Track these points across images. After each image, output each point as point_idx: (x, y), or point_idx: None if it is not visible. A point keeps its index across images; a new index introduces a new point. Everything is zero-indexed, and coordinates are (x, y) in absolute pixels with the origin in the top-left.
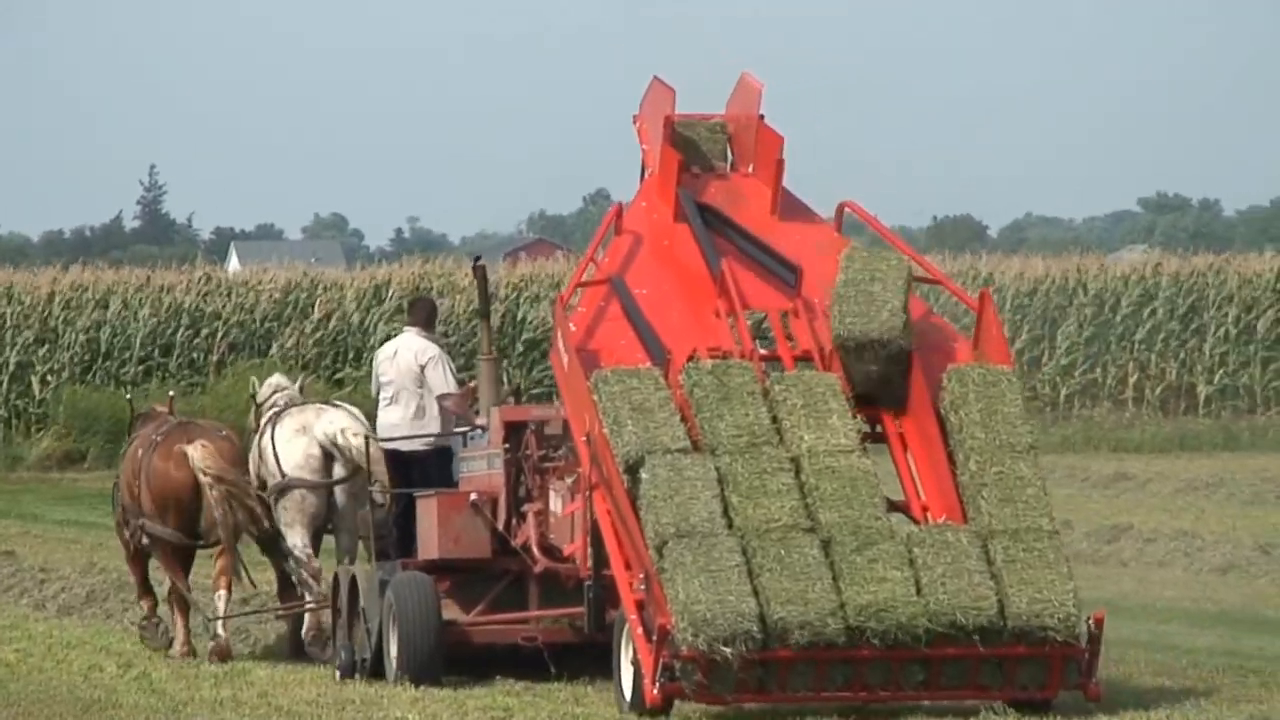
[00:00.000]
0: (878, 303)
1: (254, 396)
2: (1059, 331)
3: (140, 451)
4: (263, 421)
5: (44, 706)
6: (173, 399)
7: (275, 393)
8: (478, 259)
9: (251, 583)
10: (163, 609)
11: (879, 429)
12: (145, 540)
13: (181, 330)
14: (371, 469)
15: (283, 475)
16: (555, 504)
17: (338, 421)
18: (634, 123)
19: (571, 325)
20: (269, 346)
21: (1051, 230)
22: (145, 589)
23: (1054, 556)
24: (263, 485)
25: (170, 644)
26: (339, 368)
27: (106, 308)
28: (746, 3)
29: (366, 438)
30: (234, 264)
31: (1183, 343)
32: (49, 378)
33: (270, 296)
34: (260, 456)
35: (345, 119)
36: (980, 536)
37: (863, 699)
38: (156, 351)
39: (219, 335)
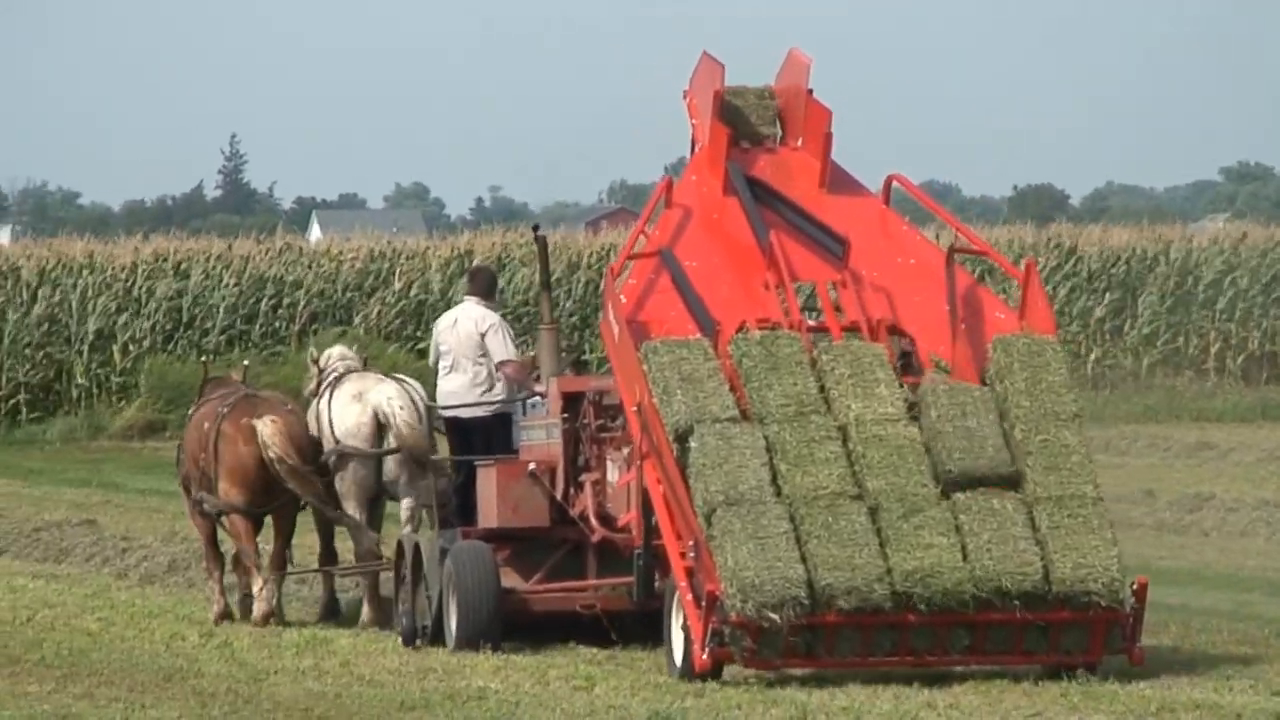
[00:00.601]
0: (977, 438)
1: (315, 360)
2: (1140, 301)
3: (207, 423)
4: (321, 386)
5: (126, 675)
6: (246, 368)
7: (338, 360)
8: (536, 228)
9: (292, 562)
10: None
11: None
12: (207, 507)
13: (265, 300)
14: (420, 442)
15: (335, 441)
16: (612, 474)
17: (386, 393)
18: (684, 97)
19: (622, 297)
20: (351, 316)
21: (1133, 199)
22: (214, 551)
23: (1098, 523)
24: (319, 450)
25: (235, 608)
26: (421, 337)
27: (188, 277)
28: None
29: (427, 407)
30: (315, 234)
31: (1265, 311)
32: (130, 347)
33: (352, 266)
34: (316, 421)
35: (427, 88)
36: (1025, 503)
37: (909, 664)
38: (239, 321)
39: (301, 305)
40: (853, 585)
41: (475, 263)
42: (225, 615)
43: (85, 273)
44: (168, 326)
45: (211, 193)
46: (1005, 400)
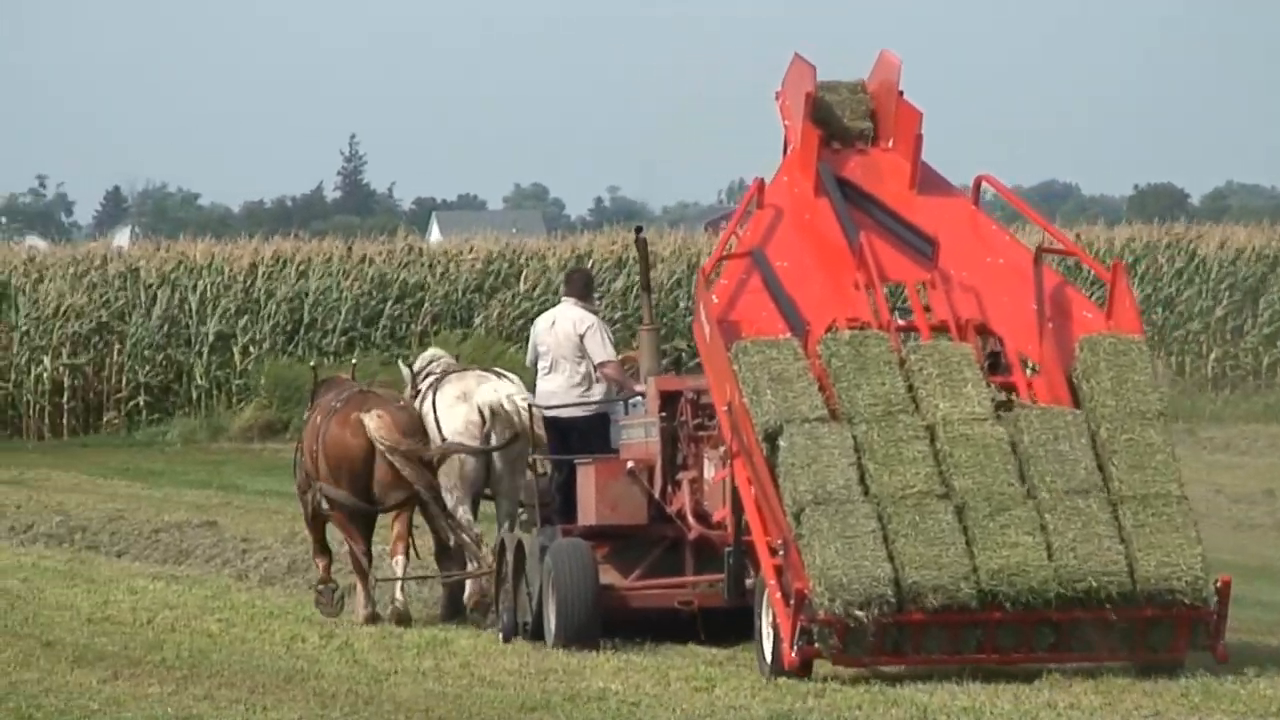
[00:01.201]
0: (1069, 461)
1: (410, 366)
2: (1261, 300)
3: (319, 418)
4: (423, 388)
5: (247, 677)
6: (355, 366)
7: (431, 362)
8: (639, 229)
9: (416, 552)
10: (340, 576)
11: (1014, 397)
12: (324, 505)
13: (386, 302)
14: (533, 435)
15: (444, 440)
16: (709, 471)
17: (501, 389)
18: (776, 99)
19: (714, 297)
20: (472, 317)
21: (1253, 198)
22: (322, 549)
23: (1182, 521)
24: (424, 438)
25: (341, 609)
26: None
27: (308, 278)
28: None
29: (530, 405)
30: (435, 234)
31: None
32: (250, 348)
33: (472, 267)
34: (418, 415)
35: (544, 88)
36: (1110, 502)
37: (995, 661)
38: (360, 323)
39: (423, 306)
40: (939, 583)
41: (572, 265)
42: (374, 617)
43: (205, 274)
44: (288, 328)
45: (331, 194)
46: (1091, 399)
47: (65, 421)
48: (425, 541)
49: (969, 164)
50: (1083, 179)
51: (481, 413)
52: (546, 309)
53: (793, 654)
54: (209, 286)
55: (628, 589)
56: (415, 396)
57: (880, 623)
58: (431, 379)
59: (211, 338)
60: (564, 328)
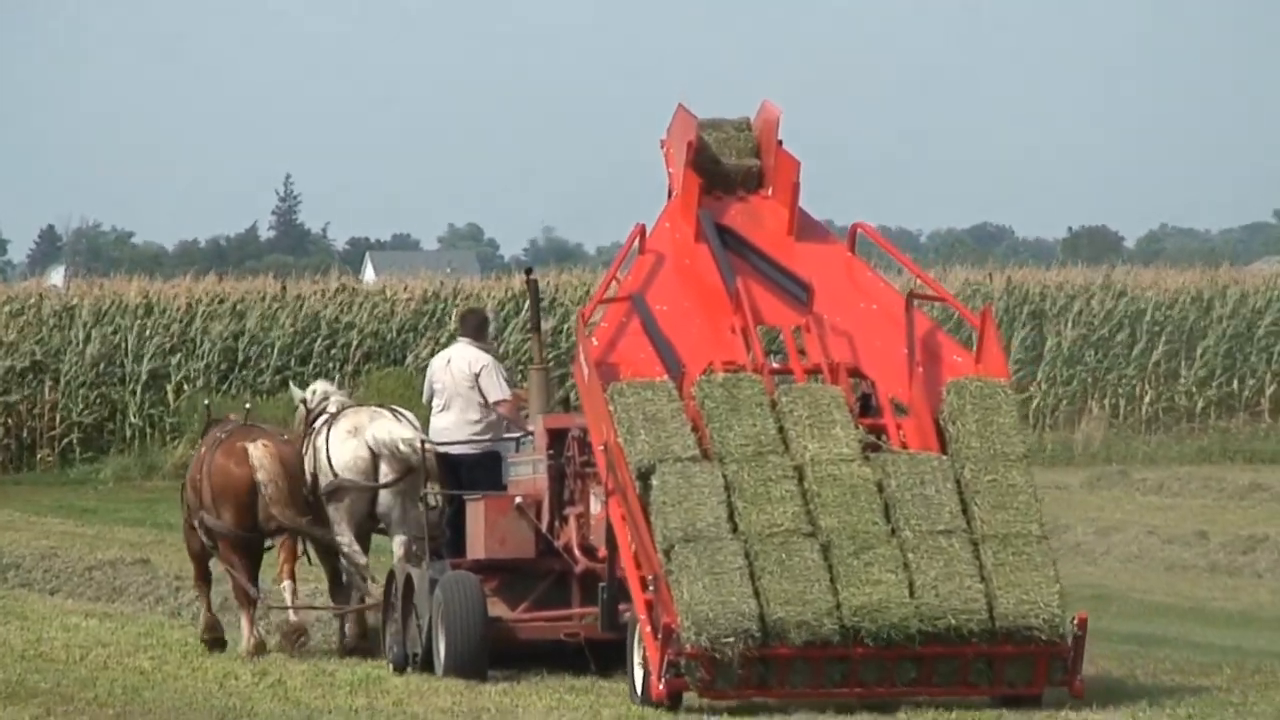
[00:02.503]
0: (934, 505)
1: (304, 401)
2: (1198, 344)
3: (204, 451)
4: (317, 423)
5: (180, 714)
6: (249, 410)
7: (325, 399)
8: (529, 271)
9: (310, 562)
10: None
11: (883, 439)
12: (205, 537)
13: (319, 340)
14: (427, 471)
15: (334, 475)
16: (595, 507)
17: (393, 429)
18: (661, 147)
19: (594, 340)
20: (405, 356)
21: (1188, 241)
22: (203, 581)
23: (1041, 560)
24: (315, 484)
25: (222, 641)
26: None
27: (243, 317)
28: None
29: (423, 441)
30: (369, 274)
31: None
32: (184, 386)
33: (407, 306)
34: (314, 457)
35: (479, 128)
36: (972, 541)
37: (858, 694)
38: (294, 361)
39: (354, 345)
40: (803, 619)
41: (466, 306)
42: (216, 639)
43: (141, 313)
44: (222, 366)
45: (265, 233)
46: (957, 441)
47: None
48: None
49: (902, 205)
50: (1016, 221)
51: (371, 448)
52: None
53: (660, 686)
54: (145, 325)
55: (516, 621)
56: (308, 431)
57: (746, 656)
58: (325, 415)
59: (145, 376)
60: (459, 367)
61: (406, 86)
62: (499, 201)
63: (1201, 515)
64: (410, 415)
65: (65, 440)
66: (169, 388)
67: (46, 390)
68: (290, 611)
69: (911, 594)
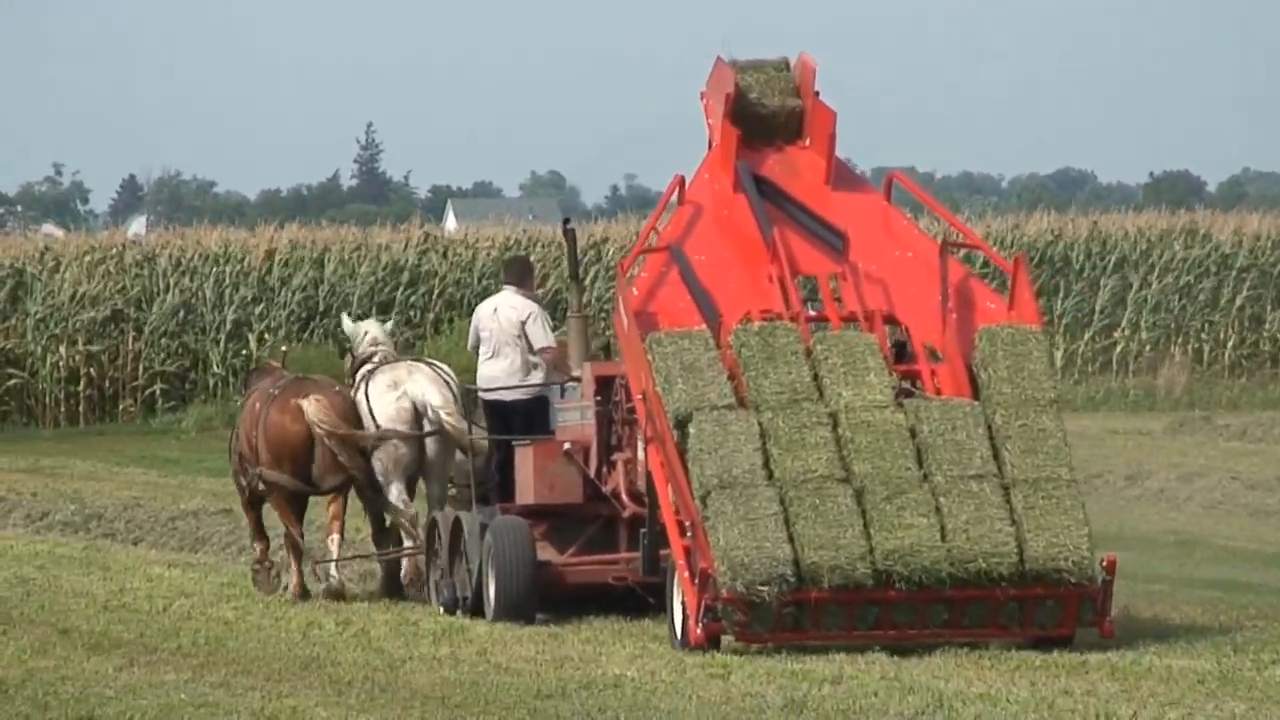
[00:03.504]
0: (966, 450)
1: (350, 350)
2: None
3: (258, 405)
4: (358, 378)
5: (263, 664)
6: (285, 354)
7: (374, 346)
8: (566, 221)
9: (355, 529)
10: (276, 554)
11: (917, 385)
12: (262, 487)
13: (400, 288)
14: (459, 426)
15: (377, 427)
16: (642, 453)
17: (427, 390)
18: (700, 99)
19: (634, 290)
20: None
21: (1270, 185)
22: (260, 534)
23: (1070, 504)
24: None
25: (279, 588)
26: (557, 324)
27: (323, 266)
28: None
29: (455, 394)
30: (450, 223)
31: None
32: (265, 336)
33: (487, 254)
34: (353, 403)
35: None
36: (1003, 486)
37: (891, 637)
38: (374, 309)
39: (435, 293)
40: (836, 563)
41: (510, 254)
42: (304, 593)
43: (221, 262)
44: (303, 315)
45: (347, 182)
46: (989, 387)
47: (81, 409)
48: (357, 523)
49: (984, 150)
50: (1098, 166)
51: (413, 401)
52: (559, 295)
53: (698, 630)
54: (225, 275)
55: (564, 565)
56: (351, 380)
57: (781, 600)
58: (368, 368)
59: (229, 325)
60: (506, 314)
61: (489, 34)
62: (581, 149)
63: None
64: (446, 369)
65: (148, 390)
66: (251, 337)
67: (129, 340)
68: (333, 570)
69: (943, 538)
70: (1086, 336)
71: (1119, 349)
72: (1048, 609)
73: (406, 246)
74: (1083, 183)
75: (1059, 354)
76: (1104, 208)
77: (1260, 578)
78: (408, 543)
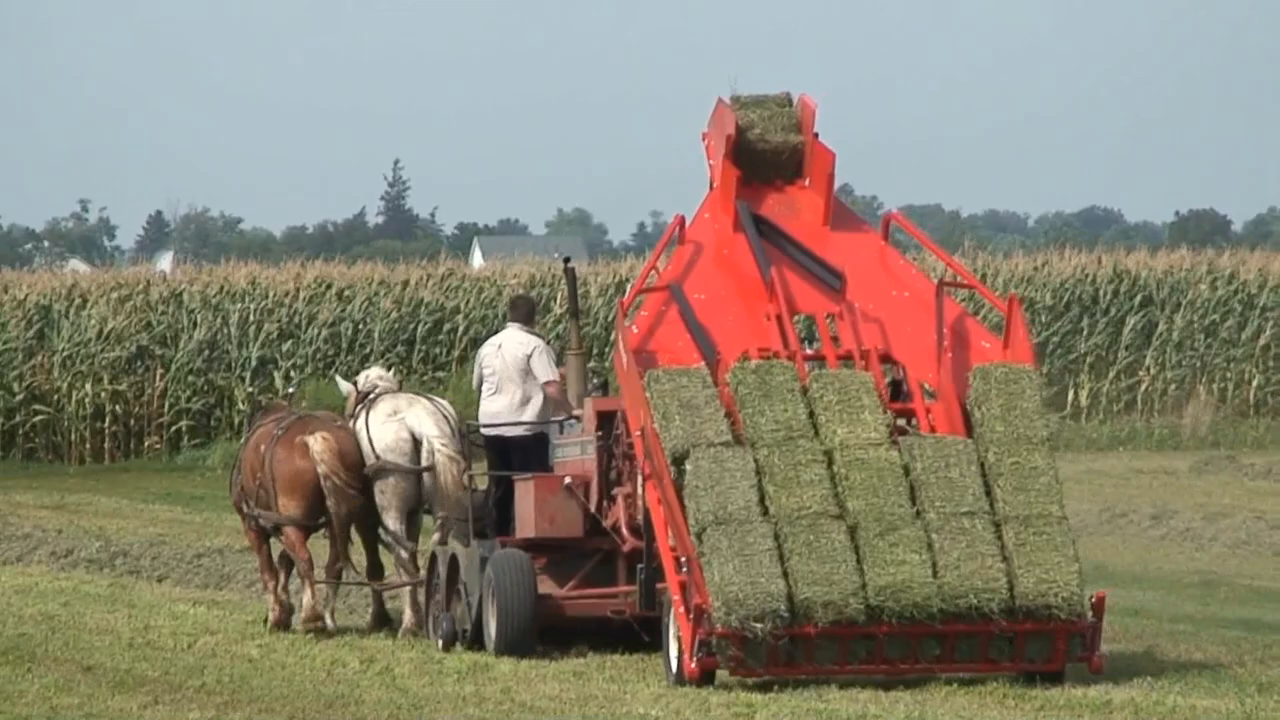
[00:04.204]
0: (959, 488)
1: (355, 384)
2: None
3: (263, 445)
4: (359, 409)
5: (287, 703)
6: (291, 395)
7: (374, 384)
8: (567, 260)
9: (355, 569)
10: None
11: (912, 423)
12: (267, 525)
13: (422, 325)
14: (455, 459)
15: (376, 457)
16: (640, 488)
17: (425, 423)
18: (702, 140)
19: (634, 328)
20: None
21: None
22: (270, 568)
23: (1061, 540)
24: (361, 465)
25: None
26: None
27: (349, 302)
28: None
29: (453, 428)
30: (477, 260)
31: None
32: (291, 373)
33: (513, 291)
34: (357, 439)
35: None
36: (994, 523)
37: (883, 671)
38: (399, 346)
39: (460, 330)
40: (829, 599)
41: (516, 293)
42: (285, 621)
43: (247, 299)
44: (329, 352)
45: (373, 219)
46: (982, 424)
47: (106, 446)
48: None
49: (1011, 189)
50: (1125, 205)
51: (412, 432)
52: (585, 332)
53: (692, 664)
54: (251, 311)
55: (563, 598)
56: (354, 413)
57: (775, 635)
58: (370, 397)
59: (254, 362)
60: (512, 350)
61: (517, 71)
62: (607, 186)
63: None
64: (446, 405)
65: (173, 427)
66: (276, 374)
67: (156, 378)
68: (309, 597)
69: (935, 574)
70: (1111, 375)
71: (1144, 388)
72: (1038, 644)
73: (431, 283)
74: (1109, 221)
75: (1084, 393)
76: (1130, 246)
77: None
78: (402, 576)
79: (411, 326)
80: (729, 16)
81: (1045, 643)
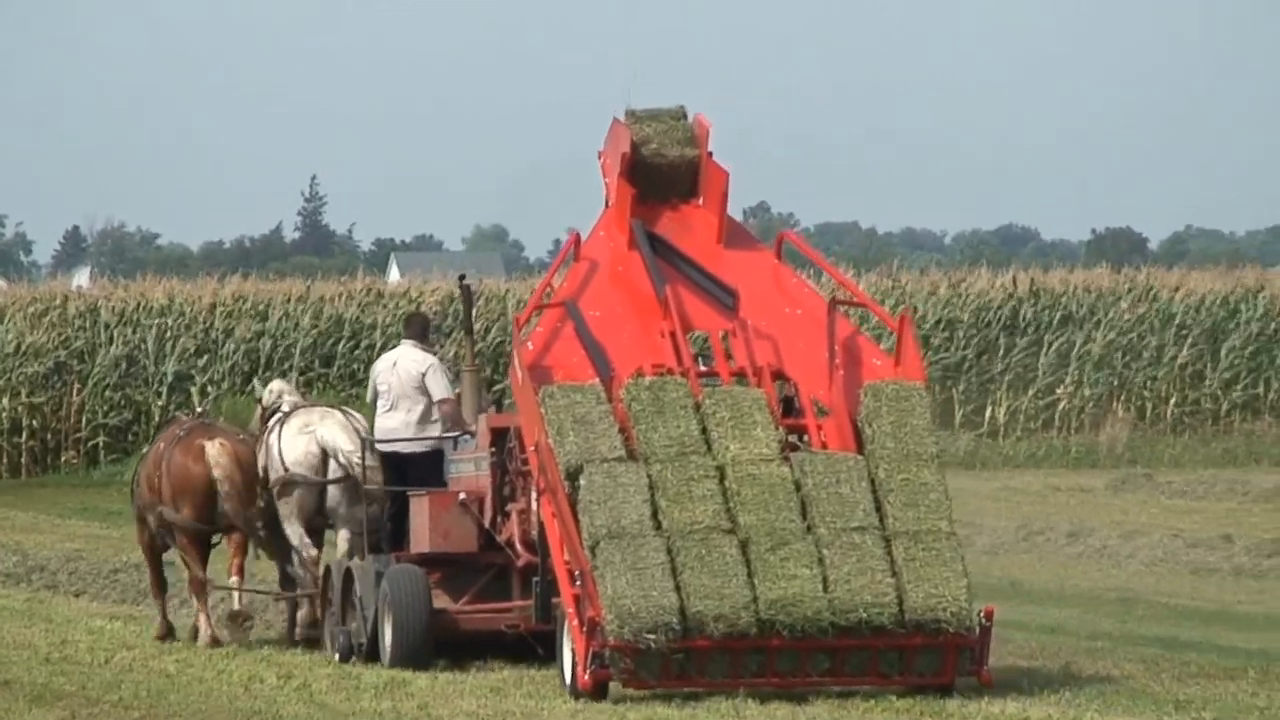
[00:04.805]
0: (849, 503)
1: (259, 400)
2: (1222, 346)
3: (162, 446)
4: (271, 420)
5: (204, 718)
6: (204, 411)
7: (279, 397)
8: (462, 277)
9: (258, 557)
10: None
11: (804, 439)
12: (161, 532)
13: (343, 341)
14: (366, 474)
15: (284, 469)
16: (535, 503)
17: (338, 436)
18: (599, 158)
19: (529, 344)
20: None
21: (1212, 243)
22: (159, 583)
23: (950, 555)
24: (267, 479)
25: (194, 634)
26: (499, 378)
27: (266, 319)
28: None
29: (364, 440)
30: (394, 275)
31: None
32: (209, 389)
33: (431, 308)
34: (266, 452)
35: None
36: (885, 538)
37: (774, 684)
38: (317, 362)
39: (378, 346)
40: (721, 612)
41: (410, 310)
42: (168, 635)
43: (164, 314)
44: (245, 368)
45: (290, 234)
46: (873, 441)
47: (23, 461)
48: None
49: (926, 206)
50: (1041, 223)
51: (322, 446)
52: (502, 349)
53: (586, 676)
54: (168, 327)
55: (458, 612)
56: (262, 429)
57: (667, 648)
58: (279, 414)
59: (170, 377)
60: (406, 367)
61: (431, 87)
62: (523, 203)
63: (1227, 519)
64: (359, 417)
65: (90, 442)
66: (194, 390)
67: (73, 392)
68: (236, 598)
69: (825, 588)
70: (1030, 393)
71: (1061, 405)
72: (927, 658)
73: (349, 299)
74: (1026, 239)
75: (1001, 411)
76: (1047, 264)
77: (1201, 635)
78: (303, 587)
79: (329, 343)
80: (647, 25)
81: (935, 656)
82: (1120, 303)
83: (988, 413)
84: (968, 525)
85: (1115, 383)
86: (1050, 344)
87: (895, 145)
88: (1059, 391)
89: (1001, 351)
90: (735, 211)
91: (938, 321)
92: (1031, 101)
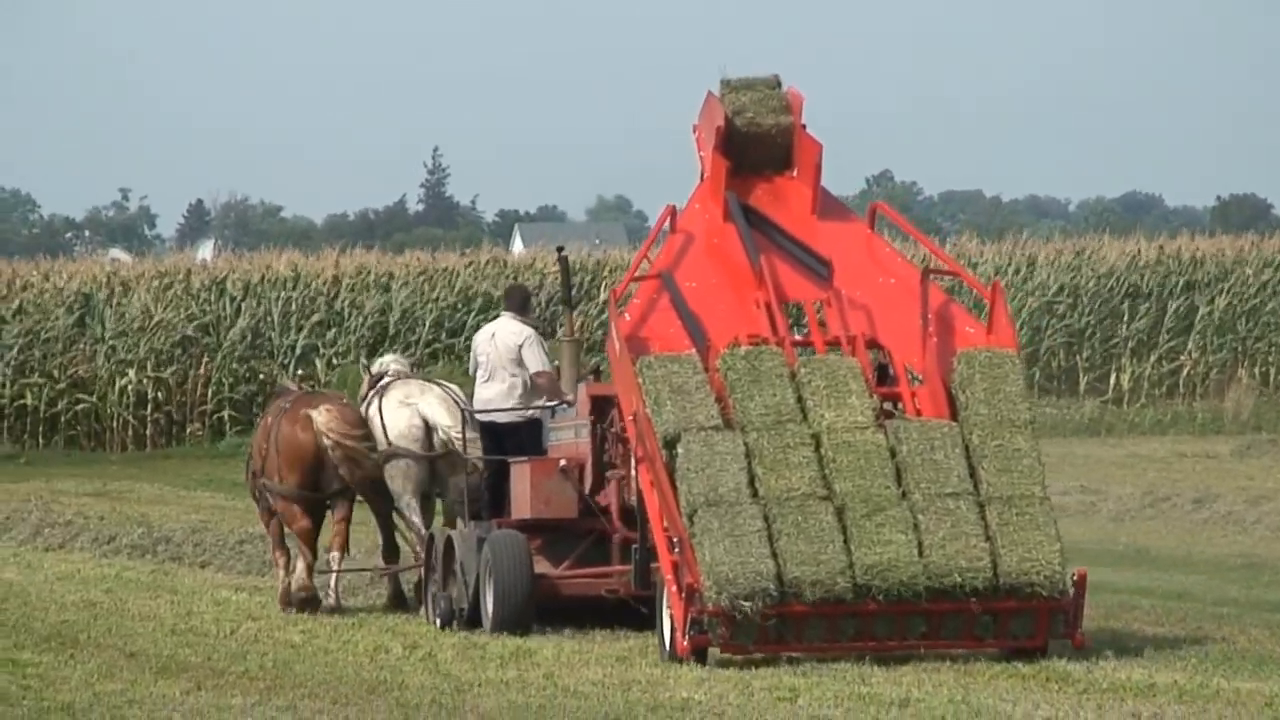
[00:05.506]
0: (944, 469)
1: (368, 368)
2: None
3: (270, 419)
4: (371, 393)
5: (330, 688)
6: (301, 378)
7: (385, 367)
8: (560, 249)
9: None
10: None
11: (898, 407)
12: (271, 499)
13: (472, 313)
14: (466, 447)
15: (389, 443)
16: (633, 471)
17: (437, 411)
18: (693, 132)
19: (626, 315)
20: (554, 329)
21: None
22: (281, 548)
23: (1043, 520)
24: (372, 440)
25: (286, 596)
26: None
27: (390, 290)
28: None
29: (464, 413)
30: (518, 246)
31: None
32: (334, 361)
33: (555, 278)
34: (369, 424)
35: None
36: (978, 503)
37: (870, 649)
38: (443, 334)
39: None
40: (817, 578)
41: (510, 282)
42: (286, 600)
43: (290, 287)
44: (371, 340)
45: (414, 206)
46: (966, 408)
47: (149, 433)
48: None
49: (1052, 173)
50: (1166, 190)
51: (424, 418)
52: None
53: (684, 642)
54: (293, 299)
55: (559, 578)
56: (366, 398)
57: (764, 614)
58: (383, 383)
59: (298, 350)
60: (504, 339)
61: (555, 56)
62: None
63: None
64: (456, 390)
65: (216, 415)
66: (319, 361)
67: (199, 365)
68: (332, 583)
69: (920, 553)
70: (1153, 359)
71: (1185, 371)
72: (1020, 621)
73: (474, 271)
74: (1150, 206)
75: (1125, 378)
76: (1171, 231)
77: None
78: (406, 558)
79: (458, 315)
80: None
81: (1028, 620)
82: (1245, 269)
83: (1112, 380)
84: (1094, 492)
85: (1239, 349)
86: (1174, 309)
87: (1021, 113)
88: (1182, 358)
89: (1125, 318)
90: (858, 180)
91: (1060, 288)
92: (1157, 69)
